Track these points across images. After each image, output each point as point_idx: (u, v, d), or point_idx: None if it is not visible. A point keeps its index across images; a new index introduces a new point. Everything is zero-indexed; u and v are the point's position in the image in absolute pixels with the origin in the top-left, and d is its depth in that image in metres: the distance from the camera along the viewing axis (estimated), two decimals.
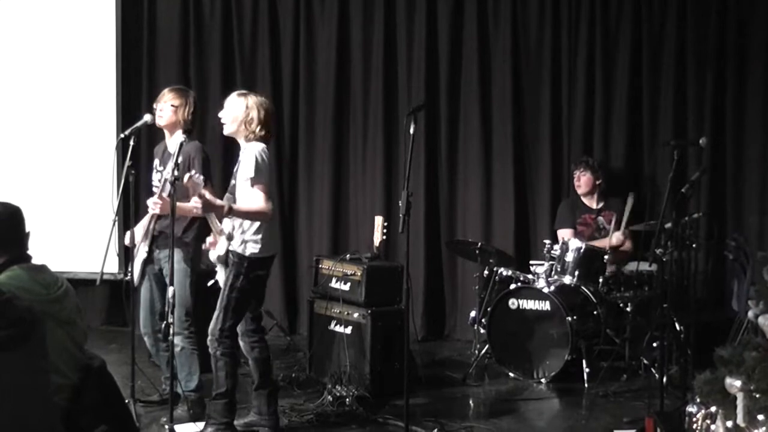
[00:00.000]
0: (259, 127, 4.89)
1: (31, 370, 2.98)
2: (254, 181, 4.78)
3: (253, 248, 4.86)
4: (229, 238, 4.85)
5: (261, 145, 4.88)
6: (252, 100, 4.95)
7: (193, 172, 4.70)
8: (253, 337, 5.07)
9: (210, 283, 5.22)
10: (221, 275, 4.98)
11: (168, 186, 4.77)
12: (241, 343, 5.05)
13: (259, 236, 4.86)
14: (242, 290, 4.85)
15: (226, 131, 5.00)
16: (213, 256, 5.00)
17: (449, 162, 7.77)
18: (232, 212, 4.77)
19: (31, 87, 7.80)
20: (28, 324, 2.96)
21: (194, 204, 4.69)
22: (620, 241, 6.84)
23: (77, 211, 7.65)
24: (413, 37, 7.77)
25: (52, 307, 3.37)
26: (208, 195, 4.72)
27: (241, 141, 4.97)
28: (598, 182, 7.07)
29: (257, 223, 4.86)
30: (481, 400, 6.03)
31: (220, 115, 5.00)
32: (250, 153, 4.84)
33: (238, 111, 4.92)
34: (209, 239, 5.10)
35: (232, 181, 4.99)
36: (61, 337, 3.37)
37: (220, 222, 4.90)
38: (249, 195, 4.83)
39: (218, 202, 4.82)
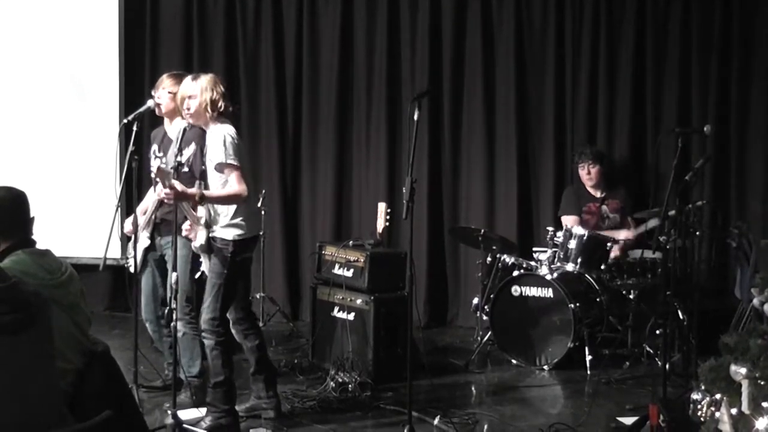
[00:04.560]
0: (215, 108, 4.73)
1: (36, 355, 2.97)
2: (225, 165, 4.68)
3: (235, 231, 4.76)
4: (207, 225, 4.78)
5: (227, 127, 4.75)
6: (204, 81, 4.77)
7: (161, 162, 4.63)
8: (244, 325, 5.04)
9: (197, 275, 5.20)
10: (206, 265, 4.89)
11: (171, 172, 4.69)
12: (233, 332, 5.02)
13: (239, 219, 4.76)
14: (230, 276, 4.77)
15: (194, 121, 4.81)
16: (194, 246, 4.89)
17: (453, 149, 7.77)
18: (204, 200, 4.68)
19: (33, 72, 7.79)
20: (34, 308, 2.95)
21: (164, 195, 4.61)
22: (627, 237, 6.84)
23: (81, 197, 7.65)
24: (417, 23, 7.75)
25: (57, 292, 3.36)
26: (178, 185, 4.62)
27: (206, 126, 4.83)
28: (603, 171, 7.07)
29: (233, 206, 4.75)
30: (483, 387, 6.04)
31: (185, 107, 4.76)
32: (217, 136, 4.72)
33: (199, 98, 4.73)
34: (185, 227, 4.93)
35: (201, 167, 4.89)
36: (65, 322, 3.36)
37: (194, 210, 4.82)
38: (220, 179, 4.73)
39: (190, 190, 4.67)
